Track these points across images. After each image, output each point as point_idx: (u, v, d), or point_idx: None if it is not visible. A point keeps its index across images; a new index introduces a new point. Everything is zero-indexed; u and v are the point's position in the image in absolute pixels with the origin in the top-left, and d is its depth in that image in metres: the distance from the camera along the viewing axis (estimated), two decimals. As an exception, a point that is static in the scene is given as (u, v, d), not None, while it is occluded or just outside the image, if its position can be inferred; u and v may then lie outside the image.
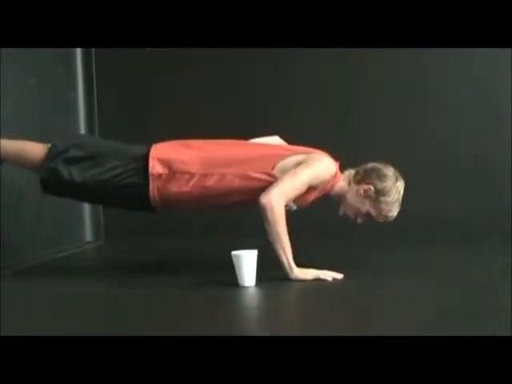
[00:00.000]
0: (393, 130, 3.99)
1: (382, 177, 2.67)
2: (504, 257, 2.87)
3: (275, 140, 2.97)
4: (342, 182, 2.72)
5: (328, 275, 2.57)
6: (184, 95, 4.18)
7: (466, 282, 2.49)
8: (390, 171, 2.69)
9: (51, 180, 2.71)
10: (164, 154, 2.69)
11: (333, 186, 2.71)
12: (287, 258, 2.56)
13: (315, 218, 3.01)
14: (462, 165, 3.95)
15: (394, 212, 2.70)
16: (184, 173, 2.67)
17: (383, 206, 2.67)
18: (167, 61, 4.13)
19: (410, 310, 2.12)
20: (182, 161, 2.68)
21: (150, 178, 2.67)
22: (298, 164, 2.65)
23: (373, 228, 3.43)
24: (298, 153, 2.71)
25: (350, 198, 2.70)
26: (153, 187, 2.68)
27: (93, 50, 4.19)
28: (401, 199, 2.70)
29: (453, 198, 3.92)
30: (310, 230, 3.29)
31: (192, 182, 2.67)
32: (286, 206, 2.62)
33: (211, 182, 2.67)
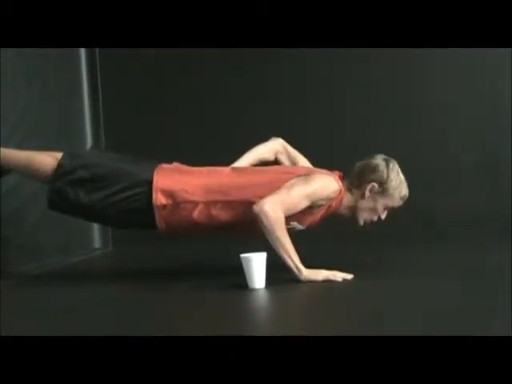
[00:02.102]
0: (392, 130, 3.99)
1: (374, 169, 2.67)
2: (504, 256, 2.87)
3: (278, 144, 2.95)
4: (347, 196, 2.72)
5: (338, 276, 2.54)
6: (189, 99, 4.19)
7: (466, 282, 2.49)
8: (377, 159, 2.70)
9: (58, 200, 2.71)
10: (167, 185, 2.68)
11: (339, 202, 2.70)
12: (293, 261, 2.53)
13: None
14: (462, 165, 3.95)
15: (404, 190, 2.70)
16: (188, 202, 2.67)
17: (392, 191, 2.67)
18: (171, 66, 4.15)
19: (410, 310, 2.12)
20: (186, 190, 2.67)
21: (155, 209, 2.67)
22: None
23: (373, 228, 3.44)
24: (300, 174, 2.71)
25: (362, 203, 2.70)
26: (159, 217, 2.68)
27: (97, 56, 4.21)
28: (402, 176, 2.70)
29: (453, 198, 3.92)
30: (312, 232, 3.28)
31: (197, 211, 2.67)
32: (291, 227, 2.63)
33: (216, 209, 2.67)
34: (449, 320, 1.93)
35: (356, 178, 2.71)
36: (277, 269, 2.53)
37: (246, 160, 2.90)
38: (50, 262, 3.48)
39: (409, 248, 3.38)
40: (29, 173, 2.83)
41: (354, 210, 2.73)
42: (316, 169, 2.79)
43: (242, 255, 2.49)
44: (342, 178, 2.74)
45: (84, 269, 3.55)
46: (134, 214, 2.69)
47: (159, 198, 2.66)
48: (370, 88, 4.05)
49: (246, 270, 2.49)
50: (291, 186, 2.61)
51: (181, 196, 2.67)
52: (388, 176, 2.67)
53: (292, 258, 2.53)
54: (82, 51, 4.19)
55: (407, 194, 2.72)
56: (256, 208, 2.54)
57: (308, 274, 2.54)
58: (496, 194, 3.85)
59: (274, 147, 2.94)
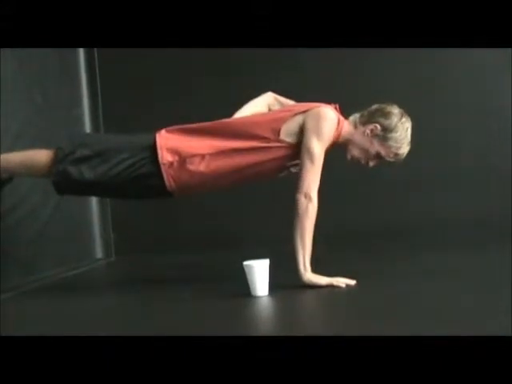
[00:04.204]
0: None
1: (386, 114, 2.67)
2: (504, 257, 2.87)
3: (269, 96, 2.96)
4: (348, 127, 2.72)
5: (341, 282, 2.52)
6: (188, 104, 4.19)
7: (466, 283, 2.49)
8: (394, 109, 2.70)
9: (63, 182, 2.70)
10: (171, 143, 2.69)
11: (339, 133, 2.69)
12: (304, 257, 2.53)
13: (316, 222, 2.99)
14: (462, 166, 3.96)
15: (403, 149, 2.68)
16: (194, 156, 2.67)
17: (391, 143, 2.66)
18: (171, 72, 4.15)
19: (410, 312, 2.12)
20: (190, 145, 2.69)
21: (162, 168, 2.66)
22: (301, 128, 2.63)
23: (373, 230, 3.44)
24: (298, 112, 2.69)
25: (358, 139, 2.69)
26: (167, 175, 2.68)
27: (96, 64, 4.21)
28: (409, 137, 2.68)
29: (453, 199, 3.92)
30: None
31: (204, 164, 2.67)
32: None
33: (222, 159, 2.67)
34: (449, 320, 1.93)
35: (367, 115, 2.71)
36: (280, 276, 2.52)
37: (241, 115, 2.91)
38: (53, 273, 3.48)
39: (409, 249, 3.38)
40: (30, 171, 2.81)
41: (348, 142, 2.72)
42: (311, 103, 2.75)
43: (245, 262, 2.47)
44: (339, 110, 2.75)
45: (87, 279, 3.54)
46: (141, 180, 2.68)
47: (165, 156, 2.67)
48: (370, 88, 4.04)
49: (248, 278, 2.47)
50: (309, 153, 2.59)
51: (186, 151, 2.68)
52: (395, 126, 2.65)
53: (305, 254, 2.53)
54: (82, 59, 4.20)
55: (404, 154, 2.69)
56: (302, 199, 2.54)
57: (311, 276, 2.53)
58: (496, 195, 3.85)
59: (265, 100, 2.96)
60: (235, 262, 2.60)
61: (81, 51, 4.22)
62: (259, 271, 2.45)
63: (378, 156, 2.70)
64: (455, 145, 3.99)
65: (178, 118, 4.15)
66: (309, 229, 2.55)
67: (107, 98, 4.25)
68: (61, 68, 3.92)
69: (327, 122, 2.64)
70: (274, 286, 2.49)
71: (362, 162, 2.73)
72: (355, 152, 2.72)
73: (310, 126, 2.63)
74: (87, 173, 2.67)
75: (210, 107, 4.12)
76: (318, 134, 2.61)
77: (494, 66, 3.96)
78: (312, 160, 2.59)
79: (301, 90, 4.07)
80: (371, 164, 2.73)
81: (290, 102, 2.95)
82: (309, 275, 2.53)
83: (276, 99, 2.97)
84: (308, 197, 2.55)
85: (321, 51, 3.49)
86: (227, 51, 3.48)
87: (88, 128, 4.21)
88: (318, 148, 2.60)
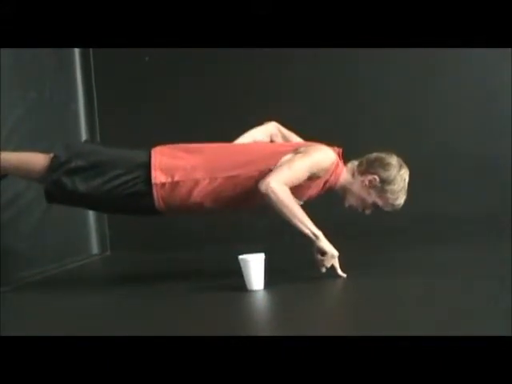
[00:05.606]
0: (393, 130, 3.99)
1: (385, 166, 2.67)
2: (504, 256, 2.87)
3: (272, 126, 2.96)
4: (346, 174, 2.72)
5: (338, 266, 2.58)
6: (186, 102, 4.18)
7: (465, 282, 2.49)
8: (393, 160, 2.70)
9: (55, 191, 2.68)
10: (165, 163, 2.66)
11: (336, 177, 2.70)
12: (309, 228, 2.55)
13: (316, 218, 3.01)
14: (462, 165, 3.95)
15: (400, 200, 2.70)
16: (187, 180, 2.65)
17: (389, 195, 2.68)
18: (168, 70, 4.15)
19: (410, 311, 2.12)
20: (185, 168, 2.66)
21: (154, 188, 2.64)
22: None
23: (373, 227, 3.43)
24: (298, 147, 2.71)
25: (356, 189, 2.71)
26: (157, 196, 2.65)
27: (91, 61, 4.21)
28: (406, 187, 2.70)
29: (453, 198, 3.92)
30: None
31: (196, 189, 2.65)
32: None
33: (216, 186, 2.65)
34: (449, 320, 1.93)
35: (365, 164, 2.71)
36: (275, 270, 2.52)
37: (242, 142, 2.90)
38: (49, 268, 3.47)
39: (409, 248, 3.38)
40: (24, 173, 2.79)
41: (346, 190, 2.73)
42: (314, 143, 2.76)
43: (240, 256, 2.48)
44: (341, 155, 2.74)
45: (82, 274, 3.55)
46: (132, 198, 2.66)
47: (158, 177, 2.64)
48: (371, 88, 4.05)
49: (243, 272, 2.47)
50: (291, 160, 2.61)
51: (180, 174, 2.65)
52: (394, 179, 2.67)
53: (307, 225, 2.55)
54: (77, 57, 4.19)
55: (400, 205, 2.72)
56: (262, 187, 2.54)
57: (324, 243, 2.56)
58: (496, 195, 3.84)
59: (268, 130, 2.95)
60: (231, 256, 2.60)
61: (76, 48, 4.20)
62: (254, 265, 2.46)
63: (374, 205, 2.73)
64: (455, 145, 3.98)
65: (175, 116, 4.19)
66: (291, 205, 2.53)
67: (103, 94, 4.23)
68: (56, 63, 3.90)
69: (321, 154, 2.66)
70: (269, 280, 2.49)
71: (359, 209, 2.76)
72: (352, 201, 2.74)
73: (304, 151, 2.65)
74: (80, 185, 2.64)
75: (209, 106, 4.15)
76: (309, 157, 2.62)
77: (494, 66, 3.96)
78: (290, 163, 2.59)
79: (301, 90, 4.10)
80: (367, 212, 2.76)
81: (293, 135, 2.95)
82: (321, 243, 2.55)
83: (279, 130, 2.96)
84: (268, 186, 2.51)
85: (320, 51, 3.49)
86: (227, 51, 3.48)
87: (83, 124, 4.19)
88: (301, 163, 2.60)
